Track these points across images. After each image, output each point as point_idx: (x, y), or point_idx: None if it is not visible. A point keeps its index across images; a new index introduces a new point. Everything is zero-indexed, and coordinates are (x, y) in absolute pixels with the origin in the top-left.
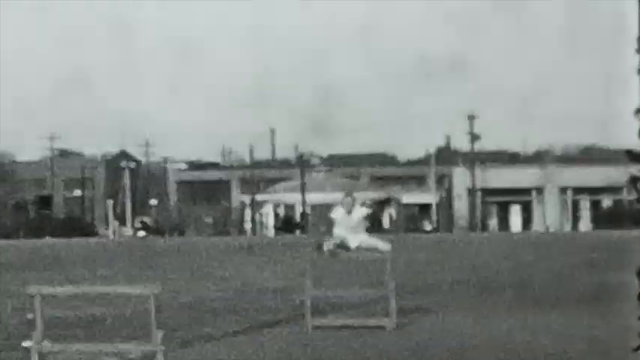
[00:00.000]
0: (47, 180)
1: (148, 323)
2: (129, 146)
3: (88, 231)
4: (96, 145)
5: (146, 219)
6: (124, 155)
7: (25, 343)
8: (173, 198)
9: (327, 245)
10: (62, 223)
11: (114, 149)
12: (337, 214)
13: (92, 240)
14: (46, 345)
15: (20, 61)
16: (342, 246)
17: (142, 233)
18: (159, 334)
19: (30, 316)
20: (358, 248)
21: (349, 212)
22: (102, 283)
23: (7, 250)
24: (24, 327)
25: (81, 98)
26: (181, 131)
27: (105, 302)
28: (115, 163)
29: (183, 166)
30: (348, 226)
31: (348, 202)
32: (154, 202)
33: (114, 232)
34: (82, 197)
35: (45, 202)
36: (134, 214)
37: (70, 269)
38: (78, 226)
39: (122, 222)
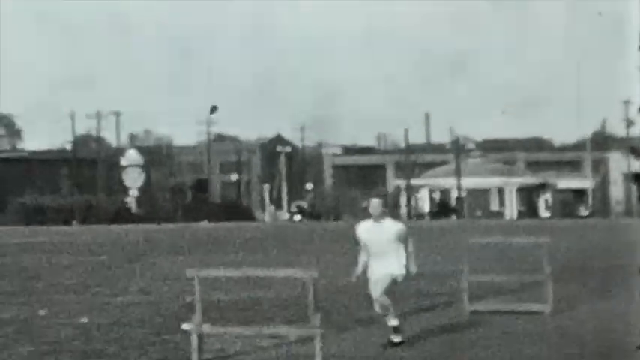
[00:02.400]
0: (204, 164)
1: (305, 307)
2: (284, 131)
3: (245, 215)
4: (252, 130)
5: (302, 203)
6: (279, 140)
7: (185, 326)
8: (328, 182)
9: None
10: (218, 207)
11: (270, 134)
12: (363, 229)
13: (248, 224)
14: (205, 327)
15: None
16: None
17: (297, 217)
18: (317, 318)
19: (189, 298)
20: (376, 282)
21: (378, 220)
22: (259, 267)
23: (166, 234)
24: (183, 310)
25: (238, 82)
26: (336, 116)
27: (262, 285)
28: (271, 147)
29: (339, 150)
30: (378, 244)
31: (376, 205)
32: (309, 186)
33: (270, 217)
34: (239, 181)
35: (201, 186)
36: (290, 198)
37: (227, 253)
38: (234, 210)
39: (278, 206)
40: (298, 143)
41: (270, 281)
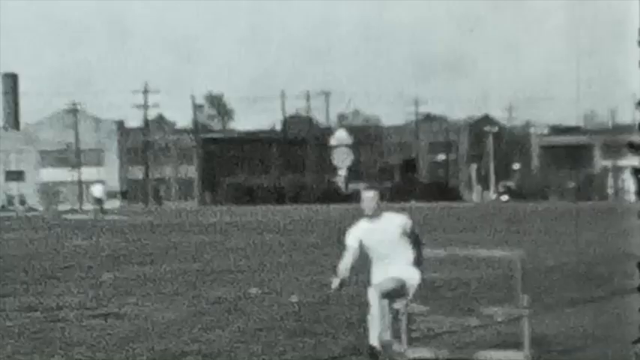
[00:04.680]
0: (412, 144)
1: (512, 287)
2: (492, 110)
3: (452, 195)
4: (459, 110)
5: (509, 183)
6: (486, 120)
7: (395, 305)
8: (535, 162)
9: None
10: (426, 187)
11: (477, 113)
12: (357, 232)
13: (456, 204)
14: (414, 307)
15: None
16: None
17: (504, 197)
18: (525, 298)
19: None
20: (386, 295)
21: (372, 217)
22: (466, 247)
23: None
24: None
25: (445, 62)
26: (544, 95)
27: (470, 265)
28: (478, 127)
29: (546, 130)
30: (379, 246)
31: (369, 199)
32: (516, 166)
33: (477, 196)
34: (446, 161)
35: (409, 166)
36: (497, 178)
37: (435, 233)
38: (442, 190)
39: (485, 186)
40: (506, 123)
41: (478, 261)
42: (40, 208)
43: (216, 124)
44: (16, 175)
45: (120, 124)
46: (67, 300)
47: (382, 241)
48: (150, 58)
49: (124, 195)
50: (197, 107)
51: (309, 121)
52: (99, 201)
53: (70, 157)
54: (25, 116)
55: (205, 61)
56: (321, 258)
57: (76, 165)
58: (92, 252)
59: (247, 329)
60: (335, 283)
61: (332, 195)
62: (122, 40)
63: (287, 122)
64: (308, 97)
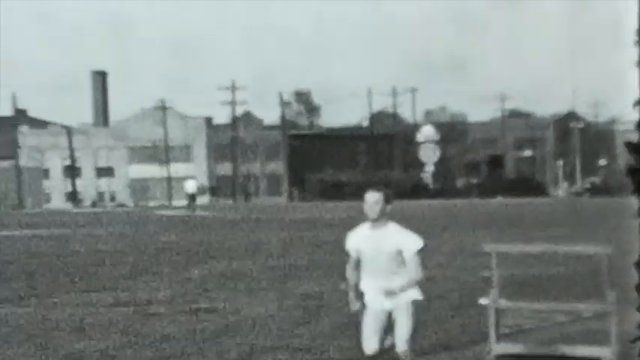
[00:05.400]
0: (498, 140)
1: (599, 283)
2: (578, 107)
3: (538, 191)
4: (546, 106)
5: (594, 179)
6: (572, 116)
7: (482, 301)
8: (621, 159)
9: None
10: (513, 183)
11: (563, 110)
12: (354, 237)
13: (542, 200)
14: (503, 302)
15: None
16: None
17: (586, 193)
18: (612, 295)
19: (484, 273)
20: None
21: (375, 224)
22: (553, 243)
23: (461, 209)
24: (479, 284)
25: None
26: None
27: (557, 261)
28: (564, 123)
29: (631, 126)
30: (375, 258)
31: (373, 201)
32: (602, 162)
33: (563, 192)
34: (533, 157)
35: (496, 162)
36: (583, 174)
37: (521, 228)
38: (528, 185)
39: (571, 182)
40: (592, 119)
41: (565, 257)
42: (130, 204)
43: (303, 121)
44: (106, 172)
45: (208, 121)
46: (157, 295)
47: (379, 254)
48: (236, 54)
49: (212, 191)
50: (284, 104)
51: (395, 117)
52: (192, 197)
53: (159, 153)
54: (115, 113)
55: (292, 58)
56: None
57: (165, 161)
58: (182, 247)
59: (336, 324)
60: (354, 305)
61: (419, 191)
62: (209, 37)
63: (374, 118)
64: (395, 94)
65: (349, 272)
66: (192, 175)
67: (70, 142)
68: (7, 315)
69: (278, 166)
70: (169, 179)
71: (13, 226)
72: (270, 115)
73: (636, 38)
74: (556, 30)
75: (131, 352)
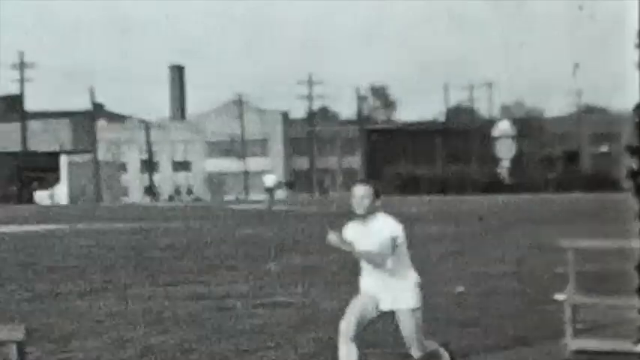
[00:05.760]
0: (574, 135)
1: None
2: None
3: (615, 186)
4: (620, 101)
5: None
6: None
7: (558, 296)
8: None
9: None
10: (589, 178)
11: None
12: (349, 236)
13: (618, 195)
14: (579, 298)
15: None
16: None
17: None
18: None
19: (559, 269)
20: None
21: (365, 219)
22: (631, 238)
23: (537, 204)
24: (555, 280)
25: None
26: None
27: (630, 257)
28: None
29: None
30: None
31: (360, 195)
32: None
33: None
34: (609, 153)
35: (572, 157)
36: None
37: (599, 223)
38: (604, 181)
39: None
40: None
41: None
42: (207, 198)
43: (380, 115)
44: (183, 166)
45: (284, 115)
46: (234, 288)
47: (373, 247)
48: (311, 49)
49: (289, 185)
50: (361, 98)
51: (471, 112)
52: (270, 191)
53: (236, 147)
54: (192, 107)
55: (369, 52)
56: (485, 248)
57: (242, 155)
58: (259, 241)
59: None
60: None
61: (495, 186)
62: (286, 31)
63: (450, 113)
64: (471, 88)
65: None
66: (269, 169)
67: (148, 136)
68: (85, 308)
69: (354, 161)
70: (246, 173)
71: (91, 220)
72: (346, 109)
73: (637, 41)
74: None
75: (208, 346)
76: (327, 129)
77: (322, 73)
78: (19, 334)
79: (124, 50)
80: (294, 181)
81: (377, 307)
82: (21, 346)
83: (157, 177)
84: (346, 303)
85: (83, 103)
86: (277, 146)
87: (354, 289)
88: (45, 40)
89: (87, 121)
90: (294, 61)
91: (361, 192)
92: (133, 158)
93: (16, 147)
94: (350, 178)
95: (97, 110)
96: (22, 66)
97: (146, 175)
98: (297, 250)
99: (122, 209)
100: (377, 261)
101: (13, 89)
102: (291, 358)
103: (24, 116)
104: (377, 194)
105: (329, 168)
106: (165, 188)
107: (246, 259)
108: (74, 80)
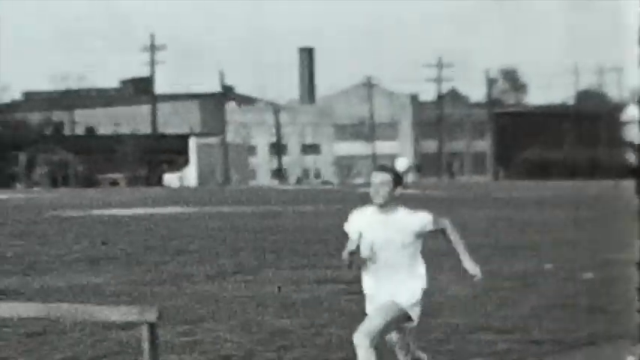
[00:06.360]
0: None
1: None
2: None
3: None
4: None
5: None
6: None
7: None
8: None
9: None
10: None
11: None
12: (356, 222)
13: None
14: None
15: None
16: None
17: None
18: None
19: None
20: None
21: (383, 209)
22: None
23: None
24: None
25: None
26: None
27: None
28: None
29: None
30: (382, 248)
31: (379, 183)
32: None
33: None
34: None
35: None
36: None
37: None
38: None
39: None
40: None
41: None
42: (335, 182)
43: (509, 99)
44: (311, 149)
45: (413, 98)
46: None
47: (389, 244)
48: (442, 32)
49: (417, 168)
50: (491, 81)
51: (601, 95)
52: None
53: (365, 130)
54: (321, 90)
55: (496, 35)
56: (615, 234)
57: (371, 138)
58: None
59: (541, 305)
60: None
61: (624, 171)
62: (415, 14)
63: (579, 97)
64: (601, 72)
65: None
66: (397, 152)
67: (277, 119)
68: (214, 291)
69: (483, 145)
70: (374, 157)
71: (219, 203)
72: (475, 92)
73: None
74: None
75: (336, 330)
76: (456, 112)
77: (452, 55)
78: (152, 315)
79: (254, 33)
80: (422, 164)
81: (394, 302)
82: (153, 327)
83: (285, 160)
84: (475, 289)
85: (213, 86)
86: (406, 129)
87: (482, 274)
88: (174, 23)
89: (216, 104)
90: (422, 43)
91: (379, 179)
92: (261, 141)
93: (146, 129)
94: (479, 162)
95: (227, 93)
96: (152, 49)
97: (274, 158)
98: None
99: (250, 192)
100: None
101: (143, 72)
102: (419, 344)
103: (154, 99)
104: (397, 182)
105: (457, 151)
106: (293, 171)
107: None
108: (204, 63)
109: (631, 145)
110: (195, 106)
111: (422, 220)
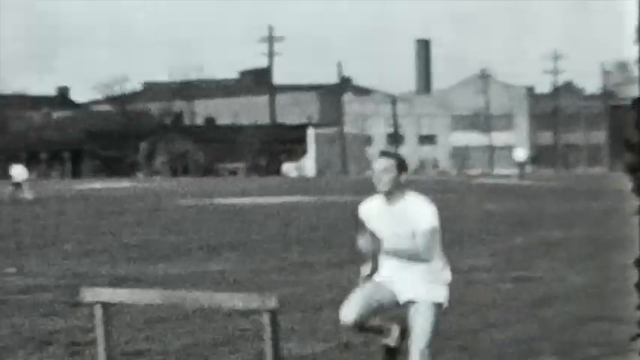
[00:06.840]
0: None
1: None
2: None
3: None
4: None
5: None
6: None
7: None
8: None
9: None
10: None
11: None
12: (366, 213)
13: None
14: None
15: None
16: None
17: None
18: None
19: None
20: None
21: (390, 198)
22: None
23: None
24: None
25: None
26: None
27: None
28: None
29: None
30: (391, 238)
31: (382, 169)
32: None
33: None
34: None
35: None
36: None
37: None
38: None
39: None
40: None
41: None
42: (451, 172)
43: (625, 91)
44: (428, 140)
45: (529, 90)
46: (479, 262)
47: (396, 234)
48: (558, 23)
49: (533, 160)
50: (606, 73)
51: None
52: (521, 165)
53: (481, 121)
54: (437, 81)
55: (614, 28)
56: None
57: (487, 130)
58: (505, 215)
59: None
60: (363, 272)
61: None
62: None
63: None
64: None
65: (362, 242)
66: (513, 143)
67: (394, 110)
68: (333, 279)
69: (599, 137)
70: (491, 147)
71: (338, 192)
72: (590, 84)
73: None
74: None
75: (454, 318)
76: (572, 104)
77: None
78: (272, 302)
79: (372, 24)
80: (538, 155)
81: (392, 299)
82: (274, 314)
83: (402, 150)
84: (591, 279)
85: (331, 77)
86: (522, 121)
87: (599, 264)
88: (293, 13)
89: (334, 95)
90: (538, 36)
91: (381, 165)
92: (378, 131)
93: (264, 120)
94: (594, 154)
95: (344, 84)
96: (270, 40)
97: (392, 149)
98: (542, 224)
99: (368, 182)
100: (412, 257)
101: (262, 63)
102: (535, 333)
103: (273, 89)
104: (401, 168)
105: (573, 143)
106: (410, 161)
107: (492, 233)
108: (322, 54)
109: None
110: (313, 97)
111: (420, 223)
